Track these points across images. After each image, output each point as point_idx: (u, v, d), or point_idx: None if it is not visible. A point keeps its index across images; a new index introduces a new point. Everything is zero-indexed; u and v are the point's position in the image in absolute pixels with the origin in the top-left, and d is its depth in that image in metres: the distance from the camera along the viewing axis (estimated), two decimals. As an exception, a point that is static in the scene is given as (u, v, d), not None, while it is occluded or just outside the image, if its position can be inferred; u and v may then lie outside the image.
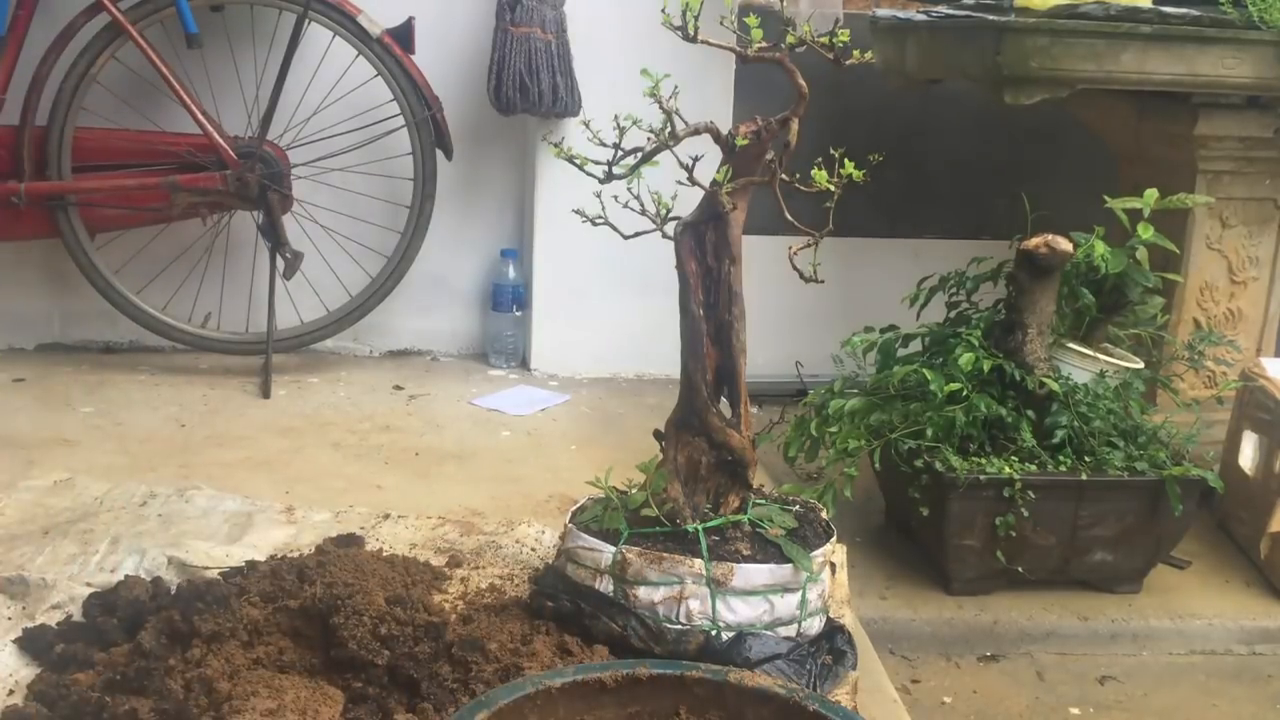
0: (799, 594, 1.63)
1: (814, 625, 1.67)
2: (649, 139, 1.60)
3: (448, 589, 1.83)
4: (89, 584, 1.77)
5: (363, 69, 2.97)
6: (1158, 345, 2.56)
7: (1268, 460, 2.45)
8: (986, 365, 2.25)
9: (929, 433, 2.24)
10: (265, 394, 2.89)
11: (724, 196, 1.61)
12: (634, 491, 1.71)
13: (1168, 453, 2.31)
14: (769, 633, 1.61)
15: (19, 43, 2.81)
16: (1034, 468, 2.24)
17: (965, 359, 2.24)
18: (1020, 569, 2.28)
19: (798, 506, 1.78)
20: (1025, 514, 2.20)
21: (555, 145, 1.68)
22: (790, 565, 1.62)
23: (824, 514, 1.79)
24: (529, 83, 2.93)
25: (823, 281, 1.64)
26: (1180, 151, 2.69)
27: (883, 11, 2.99)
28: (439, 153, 3.02)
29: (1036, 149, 3.45)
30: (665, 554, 1.61)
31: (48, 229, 2.90)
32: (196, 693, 1.41)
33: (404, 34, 2.94)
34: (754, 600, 1.60)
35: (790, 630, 1.63)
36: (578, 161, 1.59)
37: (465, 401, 2.95)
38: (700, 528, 1.63)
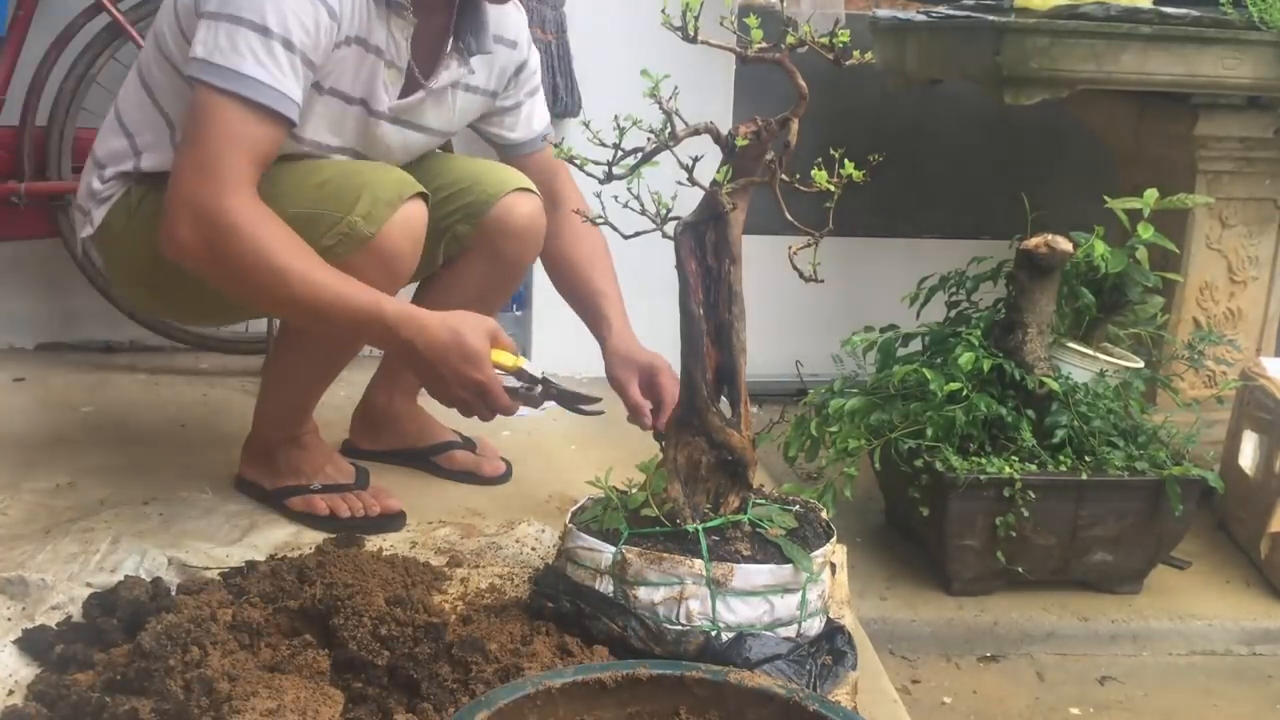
0: (799, 594, 1.63)
1: (814, 626, 1.67)
2: (649, 139, 1.60)
3: (448, 589, 1.83)
4: (89, 584, 1.77)
5: (363, 69, 2.96)
6: (1158, 345, 2.56)
7: (1268, 460, 2.45)
8: (986, 365, 2.25)
9: (929, 432, 2.24)
10: (265, 394, 2.89)
11: (724, 196, 1.61)
12: (634, 491, 1.71)
13: (1168, 452, 2.31)
14: (769, 633, 1.61)
15: (19, 43, 2.81)
16: (1034, 468, 2.24)
17: (965, 358, 2.24)
18: (1020, 569, 2.28)
19: (798, 506, 1.78)
20: (1025, 514, 2.21)
21: (555, 145, 1.68)
22: (790, 565, 1.62)
23: (824, 514, 1.79)
24: (529, 83, 2.93)
25: (823, 281, 1.64)
26: (1180, 151, 2.69)
27: (883, 12, 3.00)
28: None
29: (1036, 149, 3.45)
30: (665, 554, 1.61)
31: (48, 229, 2.90)
32: (197, 693, 1.41)
33: (404, 34, 2.94)
34: (754, 601, 1.60)
35: (790, 631, 1.63)
36: (578, 161, 1.59)
37: (465, 401, 2.94)
38: (700, 528, 1.63)
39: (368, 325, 1.75)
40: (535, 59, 2.19)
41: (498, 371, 1.79)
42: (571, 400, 1.89)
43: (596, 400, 1.90)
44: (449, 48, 2.00)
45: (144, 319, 2.97)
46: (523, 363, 1.82)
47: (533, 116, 2.22)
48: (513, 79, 2.15)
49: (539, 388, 1.85)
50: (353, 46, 1.85)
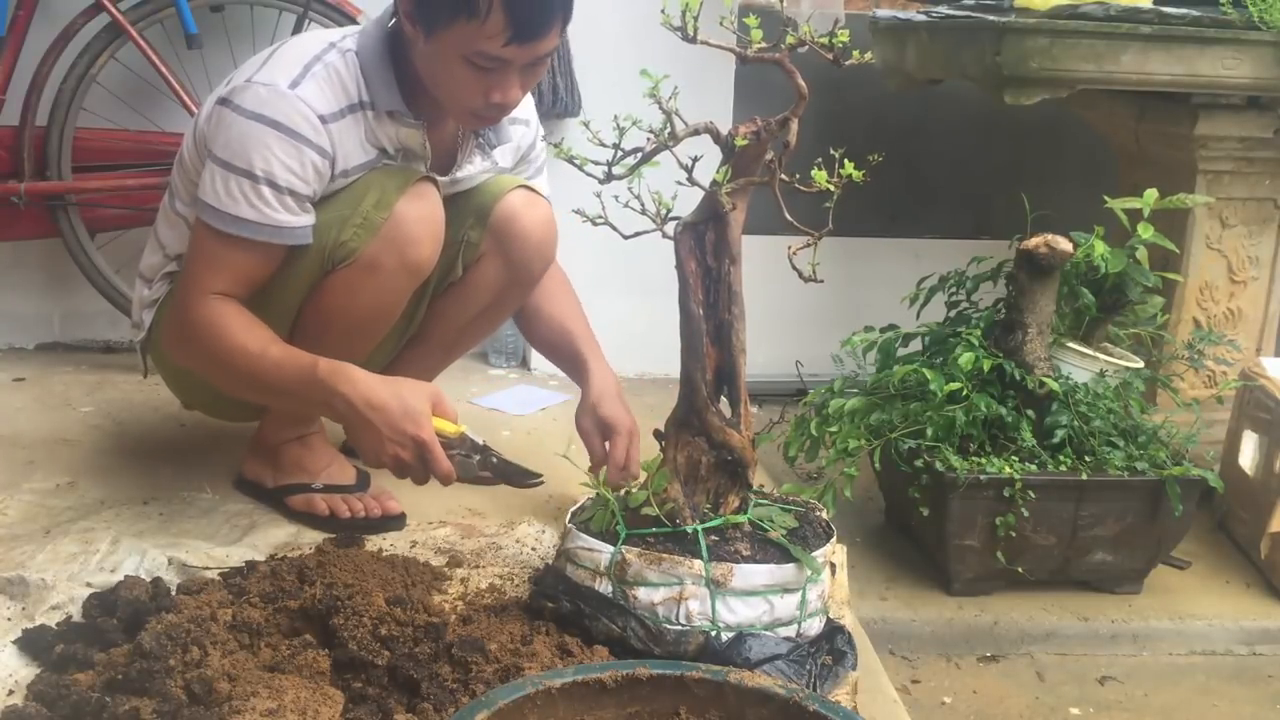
0: (799, 594, 1.63)
1: (814, 626, 1.67)
2: (649, 139, 1.60)
3: (448, 589, 1.83)
4: (89, 584, 1.77)
5: (363, 69, 2.96)
6: (1158, 345, 2.56)
7: (1268, 460, 2.45)
8: (986, 365, 2.25)
9: (929, 432, 2.24)
10: (265, 394, 2.89)
11: (723, 196, 1.62)
12: (634, 491, 1.71)
13: (1168, 452, 2.31)
14: (769, 633, 1.61)
15: (19, 43, 2.81)
16: (1034, 468, 2.24)
17: (965, 359, 2.24)
18: (1020, 569, 2.28)
19: (798, 506, 1.78)
20: (1025, 514, 2.21)
21: (555, 145, 1.68)
22: (789, 565, 1.62)
23: (824, 514, 1.79)
24: (529, 83, 2.93)
25: (822, 281, 1.64)
26: (1180, 151, 2.69)
27: (883, 12, 2.99)
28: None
29: (1036, 149, 3.45)
30: (665, 554, 1.61)
31: (48, 229, 2.90)
32: (197, 693, 1.41)
33: (404, 34, 2.93)
34: (753, 601, 1.60)
35: (790, 631, 1.63)
36: (578, 161, 1.59)
37: (465, 401, 2.94)
38: (699, 528, 1.63)
39: (306, 386, 1.82)
40: (540, 131, 2.23)
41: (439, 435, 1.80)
42: (510, 474, 1.89)
43: (537, 476, 1.91)
44: (471, 145, 2.06)
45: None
46: (464, 430, 1.83)
47: (533, 183, 2.22)
48: (526, 154, 2.19)
49: (477, 457, 1.85)
50: (362, 173, 1.93)
